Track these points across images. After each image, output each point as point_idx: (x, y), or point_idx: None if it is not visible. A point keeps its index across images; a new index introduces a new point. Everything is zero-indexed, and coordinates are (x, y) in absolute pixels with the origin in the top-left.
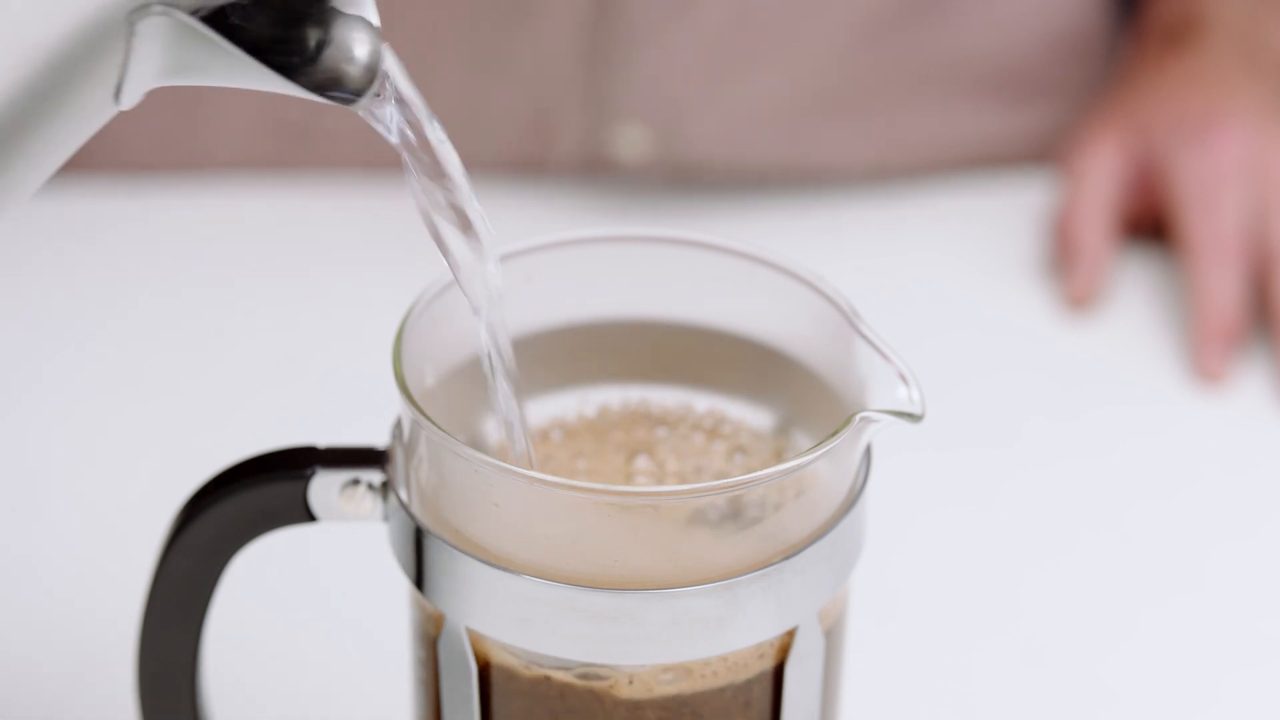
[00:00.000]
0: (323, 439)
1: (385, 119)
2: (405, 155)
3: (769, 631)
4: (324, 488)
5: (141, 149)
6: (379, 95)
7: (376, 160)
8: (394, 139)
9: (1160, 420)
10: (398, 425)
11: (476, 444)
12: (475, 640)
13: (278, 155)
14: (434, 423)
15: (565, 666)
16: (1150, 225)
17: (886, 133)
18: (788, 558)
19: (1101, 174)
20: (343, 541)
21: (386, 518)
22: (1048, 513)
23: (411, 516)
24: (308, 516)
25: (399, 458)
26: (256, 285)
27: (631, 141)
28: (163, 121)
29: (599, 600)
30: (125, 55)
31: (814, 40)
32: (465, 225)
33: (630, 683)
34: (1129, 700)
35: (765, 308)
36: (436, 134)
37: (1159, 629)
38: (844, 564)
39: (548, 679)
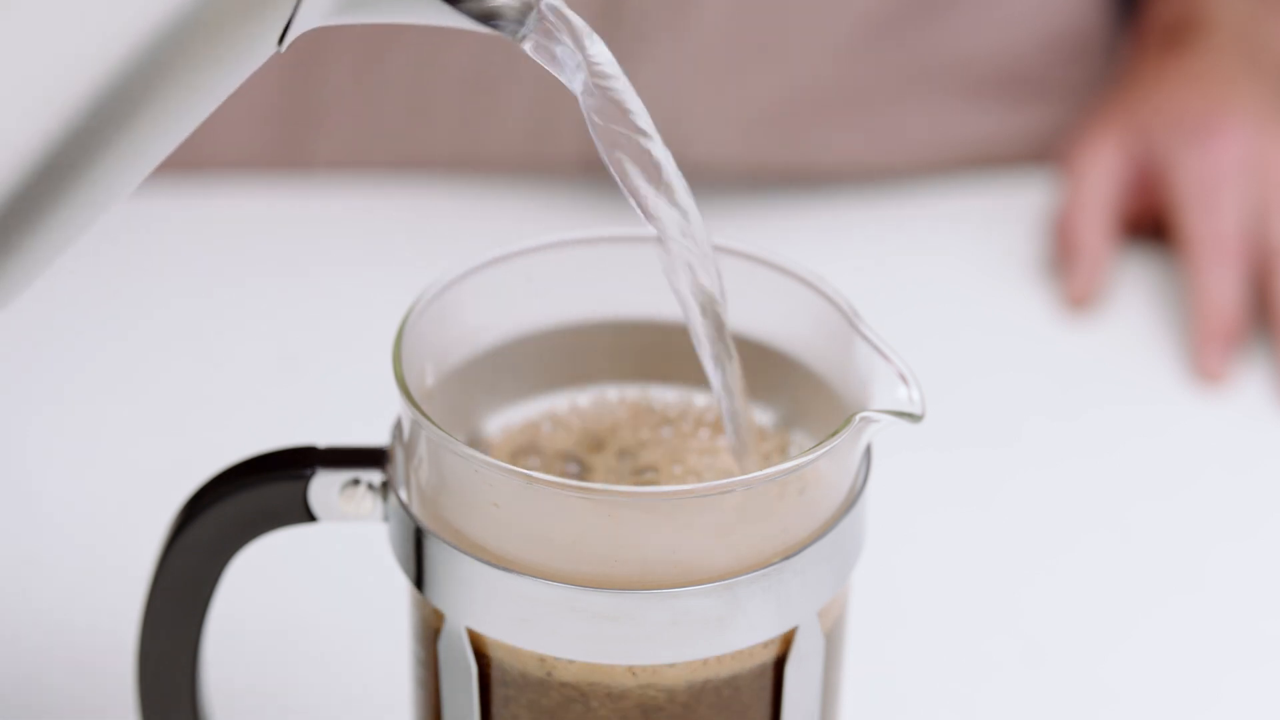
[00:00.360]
0: (323, 439)
1: (561, 58)
2: (583, 100)
3: (769, 631)
4: (324, 488)
5: None
6: (544, 31)
7: (377, 160)
8: (571, 83)
9: (1160, 420)
10: (398, 425)
11: (476, 444)
12: (475, 640)
13: (278, 155)
14: (434, 423)
15: (565, 667)
16: (1150, 225)
17: (886, 133)
18: (788, 558)
19: (1101, 174)
20: (343, 541)
21: (386, 518)
22: (1048, 513)
23: (411, 516)
24: (308, 516)
25: (399, 458)
26: (256, 285)
27: None
28: None
29: (599, 600)
30: None
31: (814, 40)
32: (653, 170)
33: (630, 683)
34: (1129, 700)
35: (765, 308)
36: (607, 62)
37: (1159, 629)
38: (844, 564)
39: (548, 679)
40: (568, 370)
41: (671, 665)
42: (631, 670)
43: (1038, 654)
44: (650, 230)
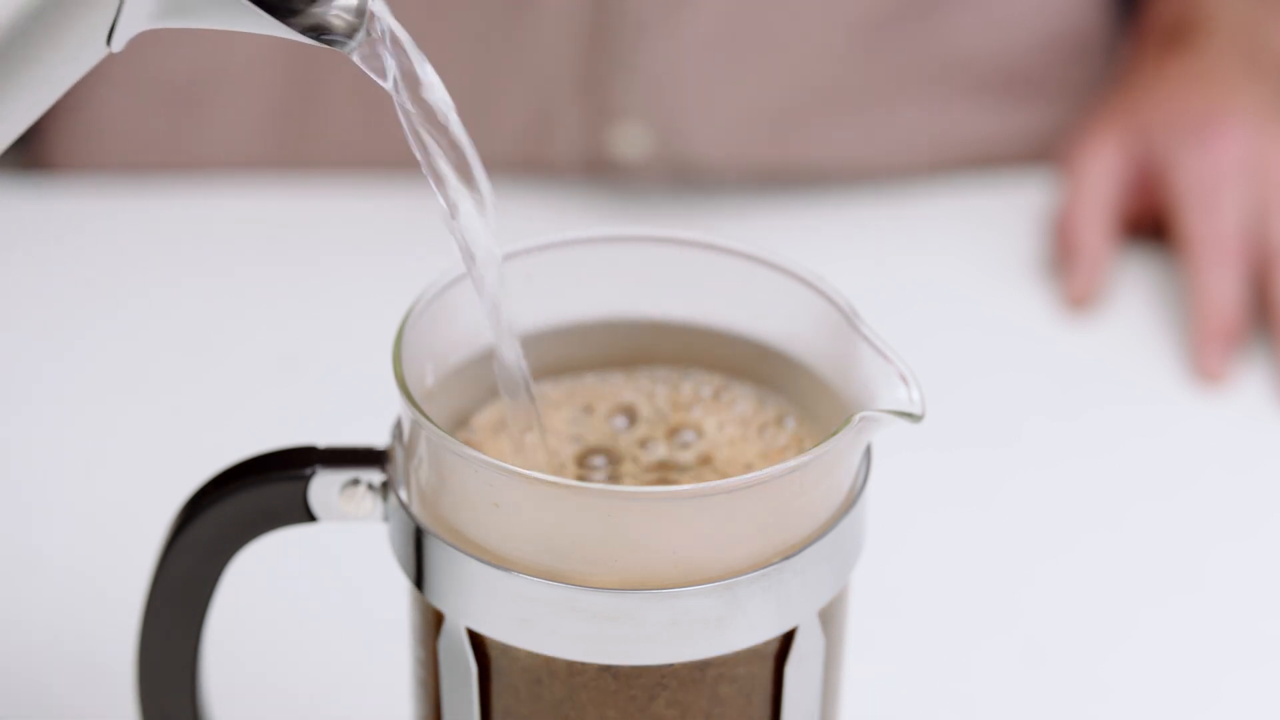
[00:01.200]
0: (323, 439)
1: (379, 64)
2: (397, 100)
3: (769, 631)
4: (324, 488)
5: (142, 149)
6: (370, 38)
7: (376, 160)
8: (388, 85)
9: (1160, 420)
10: (398, 425)
11: (476, 444)
12: (475, 640)
13: (278, 155)
14: (434, 423)
15: (565, 667)
16: (1150, 225)
17: (886, 132)
18: (788, 558)
19: (1101, 174)
20: (343, 541)
21: (386, 518)
22: (1048, 513)
23: (411, 516)
24: (308, 516)
25: (399, 458)
26: (256, 285)
27: (632, 140)
28: (163, 121)
29: (599, 600)
30: None
31: (814, 40)
32: (461, 167)
33: (630, 683)
34: (1129, 700)
35: (765, 308)
36: (428, 76)
37: (1159, 629)
38: (844, 564)
39: (548, 679)
40: (567, 369)
41: (671, 665)
42: (632, 670)
43: (1038, 654)
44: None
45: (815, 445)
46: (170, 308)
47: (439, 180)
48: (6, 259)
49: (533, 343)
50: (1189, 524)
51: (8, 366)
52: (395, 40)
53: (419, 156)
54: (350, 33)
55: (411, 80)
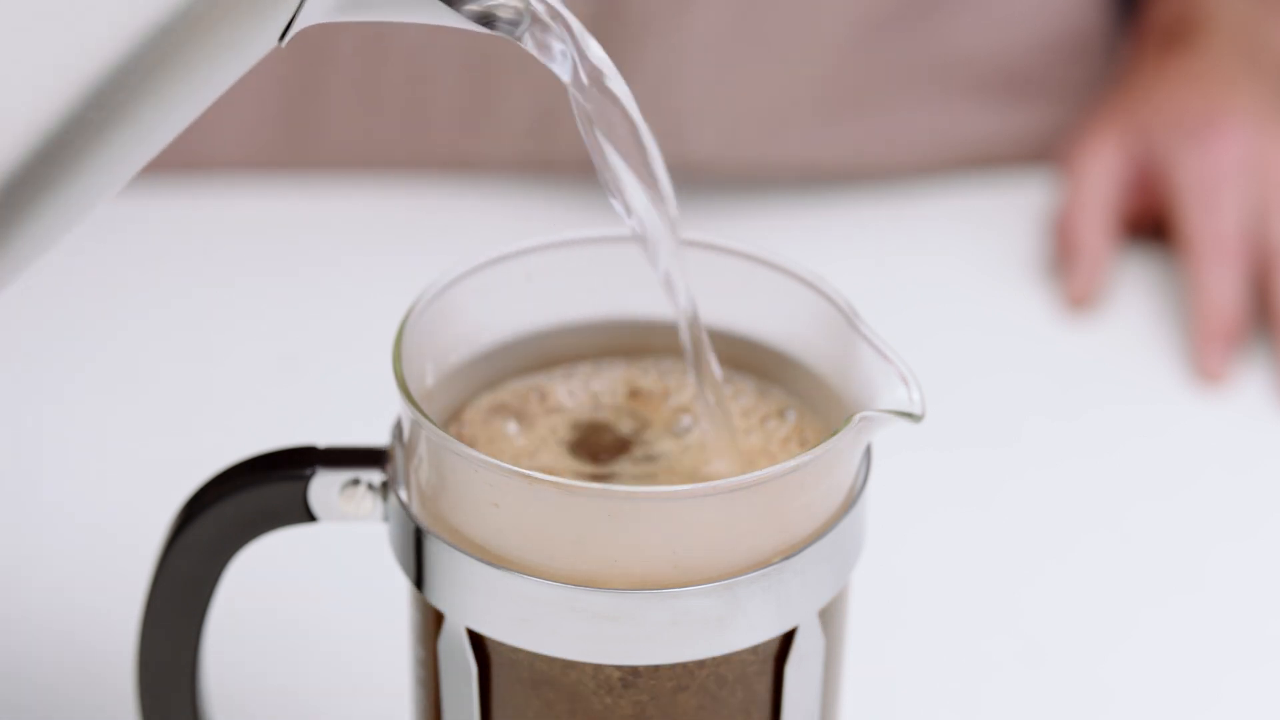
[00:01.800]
0: (323, 439)
1: (554, 52)
2: (571, 84)
3: (769, 631)
4: (324, 488)
5: None
6: (540, 26)
7: (376, 160)
8: (564, 74)
9: (1160, 420)
10: (398, 425)
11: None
12: (475, 640)
13: (278, 155)
14: (434, 423)
15: (565, 667)
16: (1150, 225)
17: (886, 132)
18: (788, 558)
19: (1101, 174)
20: (343, 541)
21: (386, 518)
22: (1048, 513)
23: (411, 516)
24: (308, 516)
25: (399, 458)
26: (256, 285)
27: None
28: None
29: (599, 600)
30: None
31: (814, 40)
32: (640, 158)
33: (630, 684)
34: (1129, 700)
35: (765, 308)
36: (603, 62)
37: (1159, 629)
38: (844, 564)
39: (548, 679)
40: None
41: (671, 665)
42: (632, 670)
43: (1037, 654)
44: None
45: (816, 442)
46: (170, 307)
47: (609, 169)
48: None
49: (532, 342)
50: (1189, 524)
51: (7, 366)
52: (566, 26)
53: (588, 144)
54: (517, 19)
55: (588, 66)
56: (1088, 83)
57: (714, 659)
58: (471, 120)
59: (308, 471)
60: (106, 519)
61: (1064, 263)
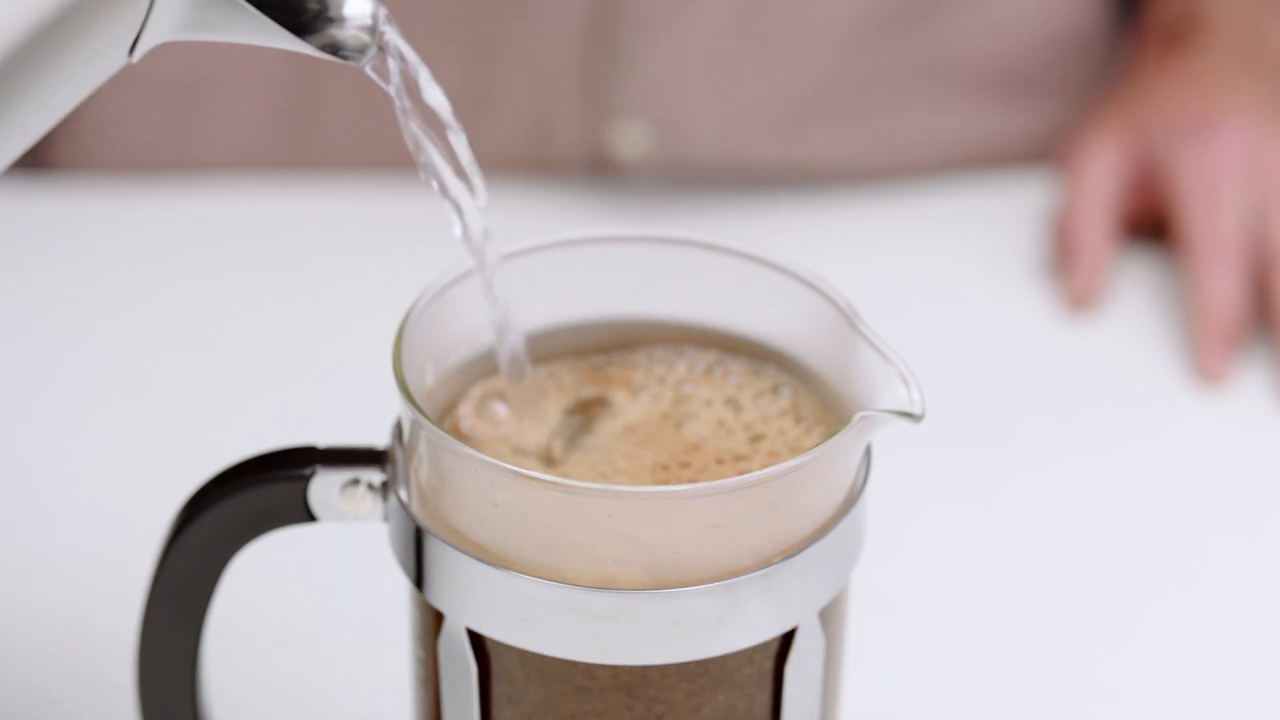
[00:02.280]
0: (323, 439)
1: (387, 75)
2: (399, 105)
3: (769, 631)
4: (324, 488)
5: (141, 149)
6: (381, 52)
7: (376, 160)
8: (391, 91)
9: (1160, 420)
10: (398, 425)
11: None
12: (475, 640)
13: (278, 155)
14: (434, 423)
15: (565, 667)
16: (1150, 225)
17: (886, 132)
18: (788, 558)
19: (1102, 174)
20: (343, 541)
21: (386, 518)
22: (1048, 513)
23: (411, 516)
24: (308, 516)
25: (399, 458)
26: (256, 285)
27: (632, 140)
28: (163, 121)
29: (599, 600)
30: (148, 8)
31: (814, 39)
32: (459, 170)
33: (630, 684)
34: (1128, 699)
35: (765, 308)
36: (428, 84)
37: (1158, 629)
38: (844, 564)
39: (548, 679)
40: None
41: (672, 665)
42: (632, 670)
43: (1038, 654)
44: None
45: (815, 445)
46: (170, 307)
47: (437, 178)
48: (6, 259)
49: (532, 342)
50: (1189, 524)
51: (7, 366)
52: (399, 54)
53: (415, 157)
54: (362, 49)
55: (412, 87)
56: (1088, 83)
57: (714, 659)
58: (471, 120)
59: (308, 471)
60: (106, 519)
61: (1064, 263)
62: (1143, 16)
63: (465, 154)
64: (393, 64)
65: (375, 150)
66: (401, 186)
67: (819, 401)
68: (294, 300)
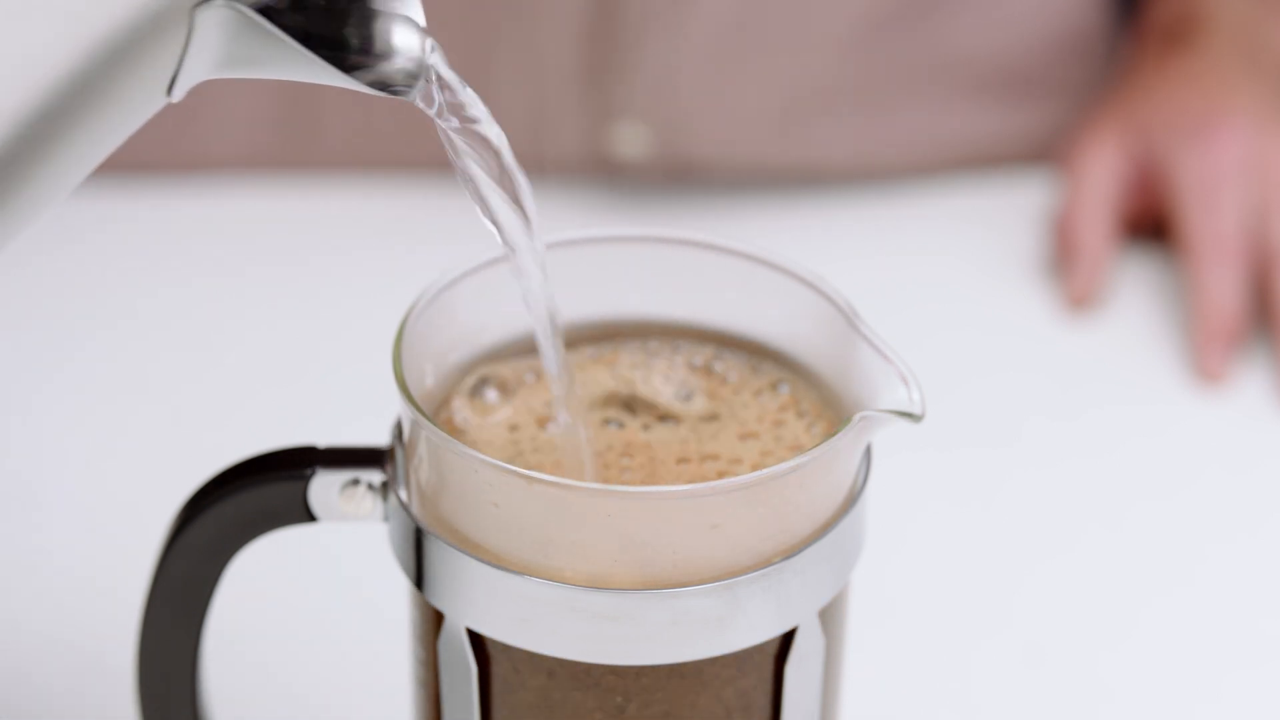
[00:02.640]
0: (323, 439)
1: (434, 106)
2: (449, 137)
3: (769, 631)
4: (324, 488)
5: (141, 149)
6: (429, 83)
7: (377, 160)
8: (443, 123)
9: (1160, 420)
10: (398, 425)
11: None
12: (475, 640)
13: (278, 155)
14: (434, 423)
15: (565, 666)
16: (1150, 225)
17: (887, 131)
18: (788, 558)
19: (1102, 174)
20: (343, 541)
21: (386, 518)
22: (1048, 513)
23: (411, 516)
24: (308, 516)
25: (399, 458)
26: (256, 285)
27: (632, 140)
28: (162, 121)
29: (599, 600)
30: (184, 46)
31: (814, 39)
32: (513, 198)
33: (630, 684)
34: (1128, 699)
35: (765, 308)
36: (481, 113)
37: (1158, 628)
38: (844, 564)
39: (548, 679)
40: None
41: (671, 665)
42: (631, 670)
43: (1038, 654)
44: (650, 231)
45: (815, 445)
46: (170, 307)
47: (484, 205)
48: (6, 259)
49: (532, 343)
50: (1189, 524)
51: (7, 367)
52: (444, 83)
53: (463, 181)
54: (410, 83)
55: (460, 113)
56: (1088, 83)
57: (714, 659)
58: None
59: (308, 471)
60: (107, 519)
61: (1064, 263)
62: (1143, 16)
63: (523, 185)
64: (437, 93)
65: (375, 150)
66: (401, 186)
67: (819, 396)
68: (294, 300)
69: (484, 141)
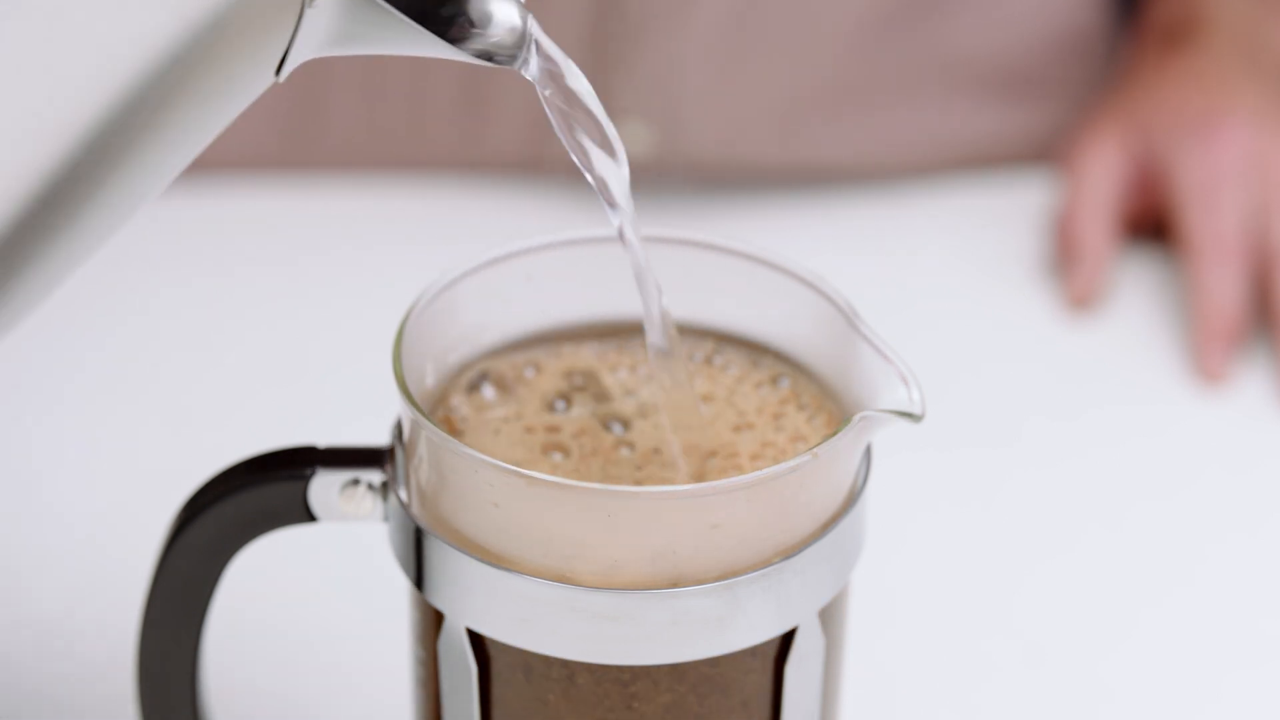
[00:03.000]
0: (323, 439)
1: (534, 73)
2: (551, 106)
3: (769, 631)
4: (324, 488)
5: None
6: (530, 52)
7: (377, 160)
8: (543, 89)
9: (1160, 420)
10: (398, 425)
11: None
12: (475, 640)
13: (278, 155)
14: (434, 423)
15: (565, 667)
16: (1151, 225)
17: (887, 131)
18: (788, 558)
19: (1102, 173)
20: (343, 541)
21: (386, 518)
22: (1048, 513)
23: (411, 516)
24: (308, 516)
25: (399, 458)
26: (257, 285)
27: (633, 138)
28: None
29: (599, 600)
30: (296, 25)
31: (814, 38)
32: (609, 155)
33: (630, 684)
34: (1129, 700)
35: (765, 308)
36: (578, 82)
37: (1159, 628)
38: (844, 564)
39: (548, 679)
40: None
41: (671, 665)
42: (631, 670)
43: (1038, 654)
44: (650, 231)
45: (815, 445)
46: (170, 307)
47: (591, 171)
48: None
49: (532, 343)
50: (1189, 524)
51: (8, 366)
52: (544, 52)
53: (568, 145)
54: (515, 51)
55: (559, 82)
56: (1088, 82)
57: (714, 659)
58: (471, 120)
59: (308, 471)
60: (106, 519)
61: (1065, 262)
62: (1142, 16)
63: (621, 154)
64: (537, 60)
65: (375, 150)
66: (402, 186)
67: (819, 389)
68: (294, 300)
69: (586, 112)
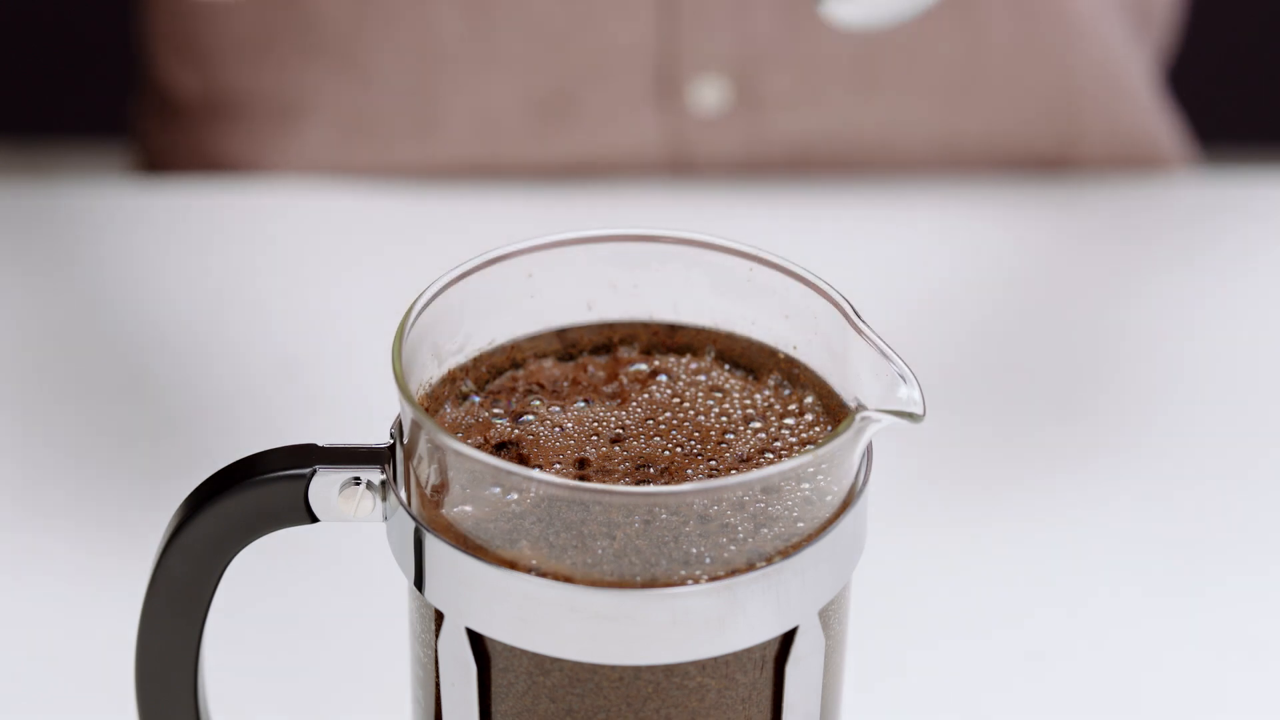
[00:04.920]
0: (323, 439)
1: None
2: None
3: (769, 631)
4: (324, 487)
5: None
6: None
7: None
8: None
9: (1160, 420)
10: (398, 425)
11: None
12: (475, 640)
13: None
14: (434, 423)
15: (565, 666)
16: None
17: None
18: (788, 558)
19: None
20: (343, 541)
21: (386, 517)
22: (1048, 513)
23: (411, 516)
24: (308, 516)
25: (399, 457)
26: (257, 285)
27: (709, 92)
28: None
29: (599, 600)
30: None
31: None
32: None
33: (630, 684)
34: (1128, 700)
35: (765, 308)
36: None
37: (1159, 629)
38: (844, 564)
39: (547, 679)
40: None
41: (671, 665)
42: (631, 670)
43: (1038, 654)
44: (650, 231)
45: (816, 445)
46: (170, 307)
47: None
48: (6, 259)
49: (532, 342)
50: (1189, 524)
51: (8, 366)
52: None
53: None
54: None
55: None
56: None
57: (714, 659)
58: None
59: (308, 471)
60: (106, 519)
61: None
62: None
63: None
64: None
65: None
66: (401, 187)
67: (819, 391)
68: (294, 300)
69: None
